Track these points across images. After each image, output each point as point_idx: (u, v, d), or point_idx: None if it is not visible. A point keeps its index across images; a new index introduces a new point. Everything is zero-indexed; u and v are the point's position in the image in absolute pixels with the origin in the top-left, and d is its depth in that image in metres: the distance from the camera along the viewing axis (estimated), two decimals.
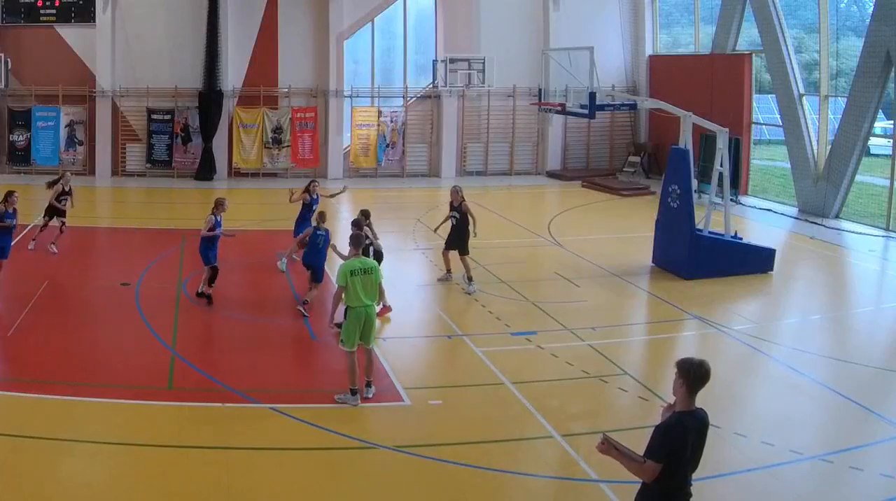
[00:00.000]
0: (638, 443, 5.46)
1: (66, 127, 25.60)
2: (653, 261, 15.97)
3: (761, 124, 25.35)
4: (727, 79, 24.14)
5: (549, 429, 8.89)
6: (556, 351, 11.23)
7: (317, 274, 13.03)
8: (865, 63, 19.49)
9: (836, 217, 20.73)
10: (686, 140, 15.43)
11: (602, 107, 17.47)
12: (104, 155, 25.69)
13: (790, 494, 7.72)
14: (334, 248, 11.69)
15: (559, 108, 18.59)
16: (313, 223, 13.73)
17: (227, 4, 25.45)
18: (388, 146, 27.20)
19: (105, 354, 11.02)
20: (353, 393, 9.41)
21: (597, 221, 21.01)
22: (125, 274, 14.56)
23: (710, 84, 24.41)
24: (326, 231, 13.17)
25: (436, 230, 15.30)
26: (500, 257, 16.36)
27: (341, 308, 9.92)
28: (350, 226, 11.96)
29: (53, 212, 16.03)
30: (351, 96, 27.02)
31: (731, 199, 16.77)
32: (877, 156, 22.86)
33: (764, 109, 25.31)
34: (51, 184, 16.23)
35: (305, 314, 12.52)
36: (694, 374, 5.31)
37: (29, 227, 15.94)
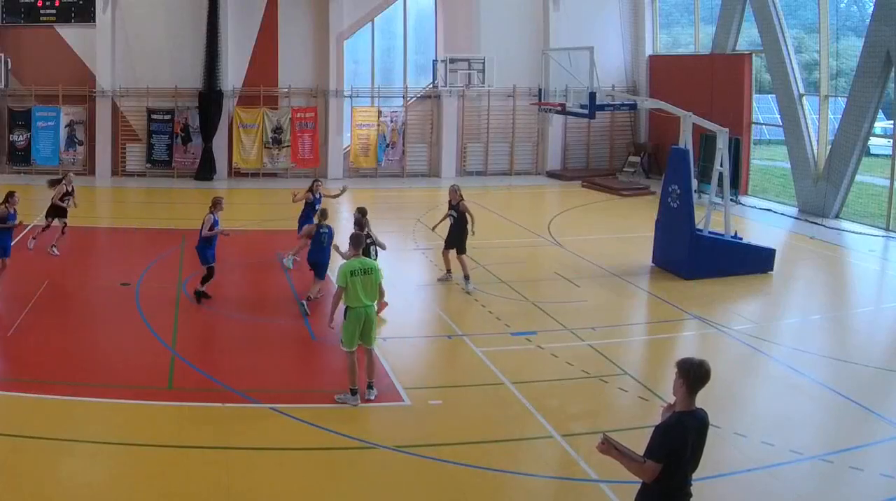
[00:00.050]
0: (638, 443, 5.46)
1: (66, 127, 25.61)
2: (653, 261, 15.97)
3: (761, 124, 25.35)
4: (727, 79, 24.14)
5: (549, 429, 8.88)
6: (556, 351, 11.23)
7: (320, 272, 13.08)
8: (865, 63, 19.49)
9: (836, 217, 20.73)
10: (686, 140, 15.43)
11: (602, 107, 17.46)
12: (104, 155, 25.70)
13: (790, 494, 7.72)
14: (337, 249, 11.68)
15: (559, 108, 18.59)
16: (315, 221, 13.78)
17: (227, 4, 25.45)
18: (388, 146, 27.20)
19: (105, 354, 11.02)
20: (353, 393, 9.41)
21: (597, 221, 21.01)
22: (125, 274, 14.56)
23: (710, 84, 24.41)
24: (329, 228, 13.28)
25: (434, 228, 15.31)
26: (500, 257, 16.36)
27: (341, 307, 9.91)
28: (353, 226, 11.99)
29: (55, 212, 16.01)
30: (351, 96, 27.02)
31: (731, 199, 16.77)
32: (877, 156, 22.86)
33: (764, 109, 25.31)
34: (53, 184, 16.20)
35: (307, 312, 12.57)
36: (694, 374, 5.31)
37: (29, 227, 15.93)
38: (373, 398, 9.49)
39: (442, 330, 12.46)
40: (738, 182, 22.53)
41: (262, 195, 24.46)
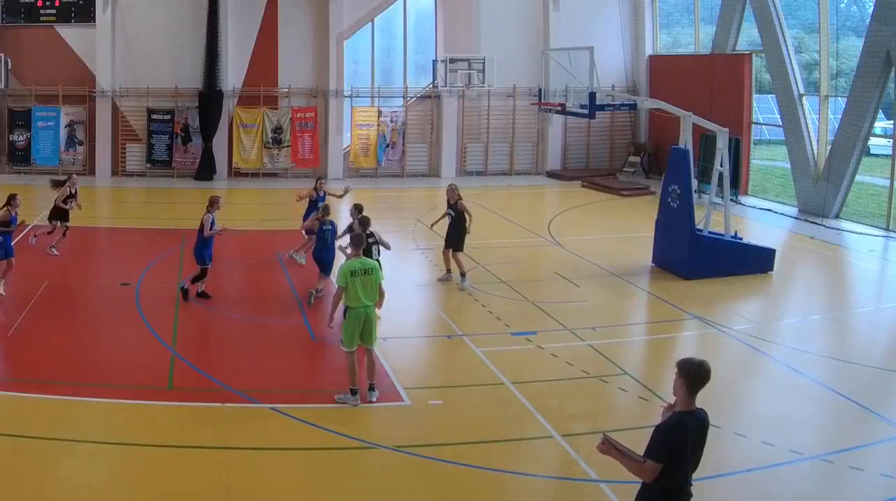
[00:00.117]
0: (638, 443, 5.46)
1: (66, 127, 25.61)
2: (653, 261, 15.97)
3: (761, 124, 25.35)
4: (727, 79, 24.14)
5: (549, 429, 8.88)
6: (556, 351, 11.23)
7: (326, 269, 13.11)
8: (865, 63, 19.49)
9: (836, 217, 20.73)
10: (686, 140, 15.43)
11: (602, 107, 17.47)
12: (104, 155, 25.70)
13: (790, 494, 7.72)
14: (342, 249, 11.68)
15: (559, 108, 18.59)
16: (318, 217, 13.86)
17: (227, 4, 25.46)
18: (388, 146, 27.20)
19: (105, 354, 11.02)
20: (353, 392, 9.40)
21: (597, 221, 21.01)
22: (125, 274, 14.56)
23: (710, 84, 24.41)
24: (333, 224, 13.38)
25: (432, 226, 15.35)
26: (500, 257, 16.36)
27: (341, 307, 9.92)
28: (356, 223, 11.98)
29: (58, 214, 15.95)
30: (351, 96, 27.03)
31: (731, 199, 16.77)
32: (877, 156, 22.86)
33: (764, 109, 25.31)
34: (56, 185, 16.14)
35: (312, 302, 12.78)
36: (694, 374, 5.31)
37: (29, 227, 15.92)
38: (374, 400, 9.47)
39: (442, 330, 12.46)
40: (738, 182, 22.53)
41: (262, 195, 24.47)
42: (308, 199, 15.80)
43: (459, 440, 8.61)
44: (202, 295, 13.28)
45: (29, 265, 14.57)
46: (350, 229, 13.43)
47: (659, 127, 26.51)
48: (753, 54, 24.04)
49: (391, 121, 27.17)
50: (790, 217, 21.33)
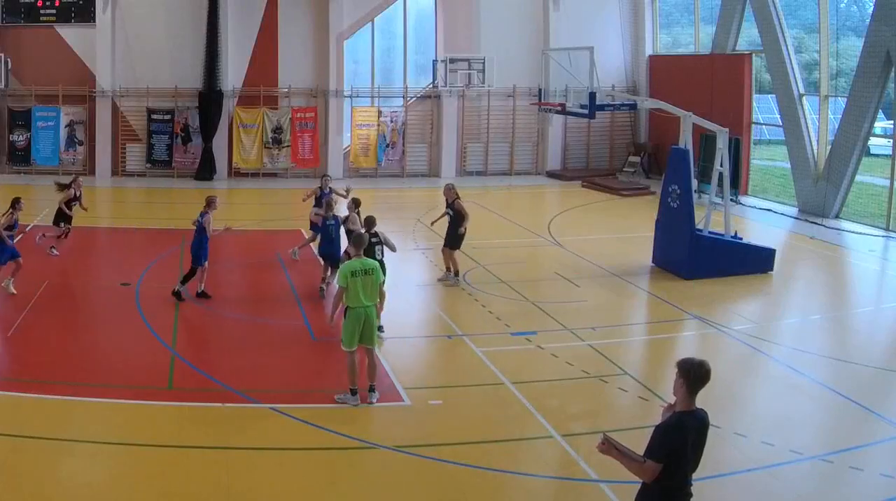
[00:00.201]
0: (638, 443, 5.46)
1: (66, 127, 25.61)
2: (653, 261, 15.97)
3: (761, 124, 25.34)
4: (727, 79, 24.14)
5: (549, 429, 8.88)
6: (556, 351, 11.23)
7: (334, 263, 13.14)
8: (865, 63, 19.49)
9: (836, 217, 20.73)
10: (686, 140, 15.43)
11: (602, 107, 17.47)
12: (104, 155, 25.70)
13: (790, 494, 7.72)
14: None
15: (559, 108, 18.59)
16: (321, 213, 13.93)
17: (227, 4, 25.46)
18: (388, 146, 27.20)
19: (105, 354, 11.01)
20: (353, 392, 9.40)
21: (597, 221, 21.01)
22: (125, 274, 14.56)
23: (710, 84, 24.41)
24: (336, 218, 13.49)
25: (432, 223, 15.39)
26: (500, 257, 16.36)
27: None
28: (359, 220, 11.99)
29: (63, 217, 15.93)
30: (351, 96, 27.03)
31: (731, 199, 16.76)
32: (877, 156, 22.86)
33: (764, 109, 25.31)
34: (61, 187, 16.13)
35: (322, 296, 12.92)
36: (694, 374, 5.31)
37: (29, 227, 15.92)
38: (374, 402, 9.46)
39: (442, 330, 12.46)
40: (738, 182, 22.53)
41: (262, 195, 24.48)
42: (314, 197, 15.82)
43: (459, 440, 8.61)
44: (202, 294, 13.28)
45: (29, 265, 14.54)
46: (346, 219, 13.56)
47: (659, 127, 26.51)
48: (753, 54, 24.04)
49: (391, 121, 27.17)
50: (790, 217, 21.33)
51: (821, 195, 20.98)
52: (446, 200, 14.55)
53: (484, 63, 26.12)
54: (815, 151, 21.63)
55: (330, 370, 10.62)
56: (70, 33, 25.54)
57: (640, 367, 11.03)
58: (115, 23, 25.24)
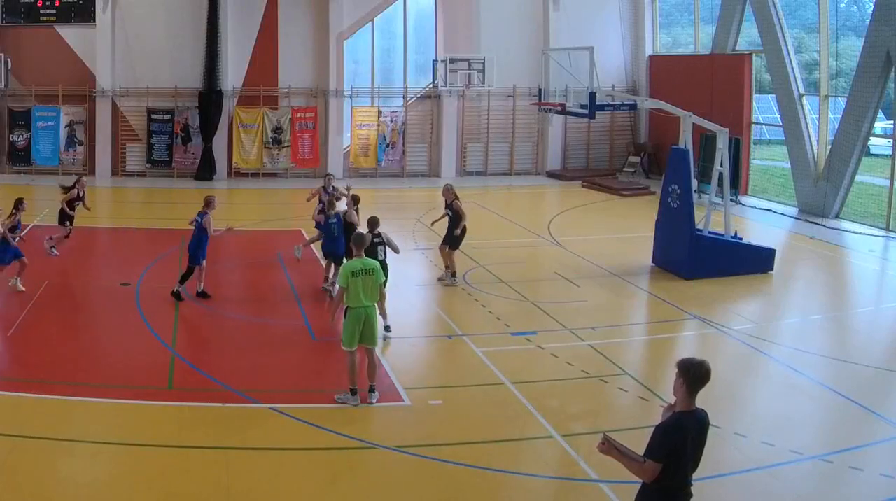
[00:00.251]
0: (638, 443, 5.46)
1: (66, 127, 25.61)
2: (653, 261, 15.97)
3: (761, 124, 25.35)
4: (727, 79, 24.14)
5: (549, 429, 8.88)
6: (556, 351, 11.23)
7: (338, 262, 13.15)
8: (865, 63, 19.49)
9: (836, 217, 20.73)
10: (686, 140, 15.43)
11: (602, 107, 17.47)
12: (104, 155, 25.70)
13: (790, 494, 7.72)
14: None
15: (559, 108, 18.59)
16: (323, 211, 13.98)
17: (227, 4, 25.45)
18: (388, 146, 27.20)
19: (105, 354, 11.02)
20: (353, 392, 9.40)
21: (597, 221, 21.01)
22: (125, 274, 14.56)
23: (710, 84, 24.41)
24: (339, 216, 13.49)
25: (433, 224, 15.41)
26: (500, 257, 16.36)
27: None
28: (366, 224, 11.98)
29: (65, 217, 15.95)
30: (351, 96, 27.03)
31: (731, 199, 16.76)
32: (877, 156, 22.86)
33: (764, 109, 25.31)
34: (66, 190, 16.16)
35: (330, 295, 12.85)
36: (694, 374, 5.31)
37: (29, 227, 15.91)
38: (374, 402, 9.46)
39: (442, 330, 12.46)
40: (738, 182, 22.53)
41: (262, 195, 24.48)
42: (318, 197, 15.84)
43: (459, 440, 8.61)
44: (202, 294, 13.28)
45: (29, 265, 14.56)
46: (345, 213, 13.62)
47: (659, 127, 26.50)
48: (753, 54, 24.04)
49: (391, 121, 27.17)
50: (790, 217, 21.33)
51: (821, 195, 20.98)
52: (445, 201, 14.56)
53: (484, 63, 26.12)
54: (815, 151, 21.63)
55: (330, 370, 10.62)
56: (70, 33, 25.53)
57: (640, 367, 11.03)
58: (115, 23, 25.23)
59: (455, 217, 14.35)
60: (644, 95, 26.05)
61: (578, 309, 13.26)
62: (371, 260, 9.76)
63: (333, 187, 15.90)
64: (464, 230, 14.44)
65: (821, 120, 21.68)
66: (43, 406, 9.07)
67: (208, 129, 25.55)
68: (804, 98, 22.01)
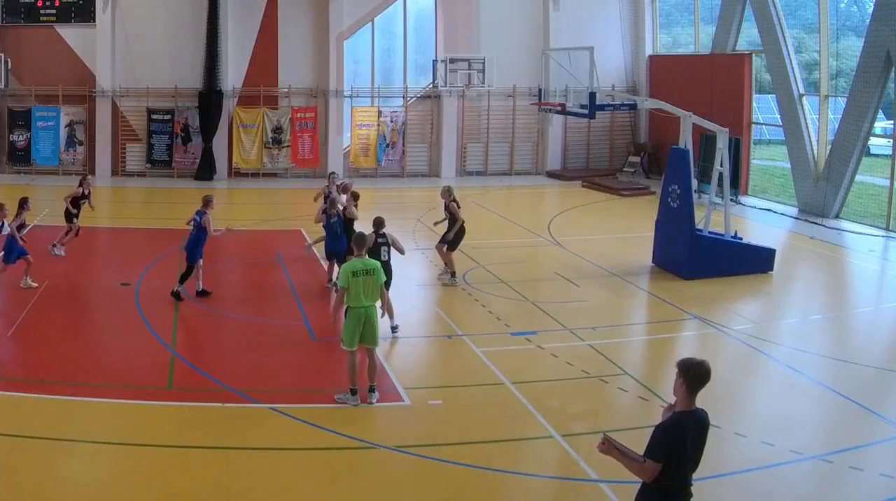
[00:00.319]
0: (638, 443, 5.46)
1: (66, 127, 25.61)
2: (653, 261, 15.97)
3: (761, 124, 25.35)
4: (727, 79, 24.14)
5: (549, 429, 8.88)
6: (556, 351, 11.23)
7: (340, 261, 13.15)
8: (865, 63, 19.49)
9: (836, 217, 20.73)
10: (686, 140, 15.43)
11: (602, 107, 17.47)
12: (104, 155, 25.70)
13: (790, 494, 7.72)
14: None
15: (559, 108, 18.59)
16: (325, 210, 13.99)
17: (227, 4, 25.45)
18: (388, 146, 27.20)
19: (105, 354, 11.02)
20: (353, 392, 9.40)
21: (597, 221, 21.01)
22: (125, 274, 14.56)
23: (710, 84, 24.41)
24: (339, 215, 13.49)
25: (435, 224, 15.42)
26: (500, 257, 16.36)
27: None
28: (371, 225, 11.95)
29: (70, 215, 15.94)
30: (351, 96, 27.03)
31: (731, 199, 16.76)
32: (877, 156, 22.86)
33: (764, 109, 25.31)
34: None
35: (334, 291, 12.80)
36: (694, 374, 5.31)
37: (29, 227, 15.89)
38: (374, 402, 9.45)
39: (442, 330, 12.46)
40: (738, 182, 22.53)
41: (262, 195, 24.48)
42: (323, 197, 15.85)
43: (459, 440, 8.61)
44: (202, 293, 13.29)
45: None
46: (345, 209, 13.66)
47: (659, 127, 26.50)
48: (753, 54, 24.04)
49: (391, 121, 27.16)
50: (790, 217, 21.33)
51: (821, 195, 20.98)
52: (444, 203, 14.58)
53: (484, 63, 26.12)
54: (815, 151, 21.63)
55: (330, 370, 10.63)
56: (70, 33, 25.54)
57: (640, 367, 11.03)
58: (115, 23, 25.24)
59: (450, 219, 14.37)
60: (644, 95, 26.05)
61: (578, 309, 13.26)
62: (372, 261, 9.76)
63: (336, 186, 15.89)
64: (463, 230, 14.45)
65: (821, 120, 21.68)
66: (43, 406, 9.07)
67: (208, 129, 25.55)
68: (804, 98, 22.01)
